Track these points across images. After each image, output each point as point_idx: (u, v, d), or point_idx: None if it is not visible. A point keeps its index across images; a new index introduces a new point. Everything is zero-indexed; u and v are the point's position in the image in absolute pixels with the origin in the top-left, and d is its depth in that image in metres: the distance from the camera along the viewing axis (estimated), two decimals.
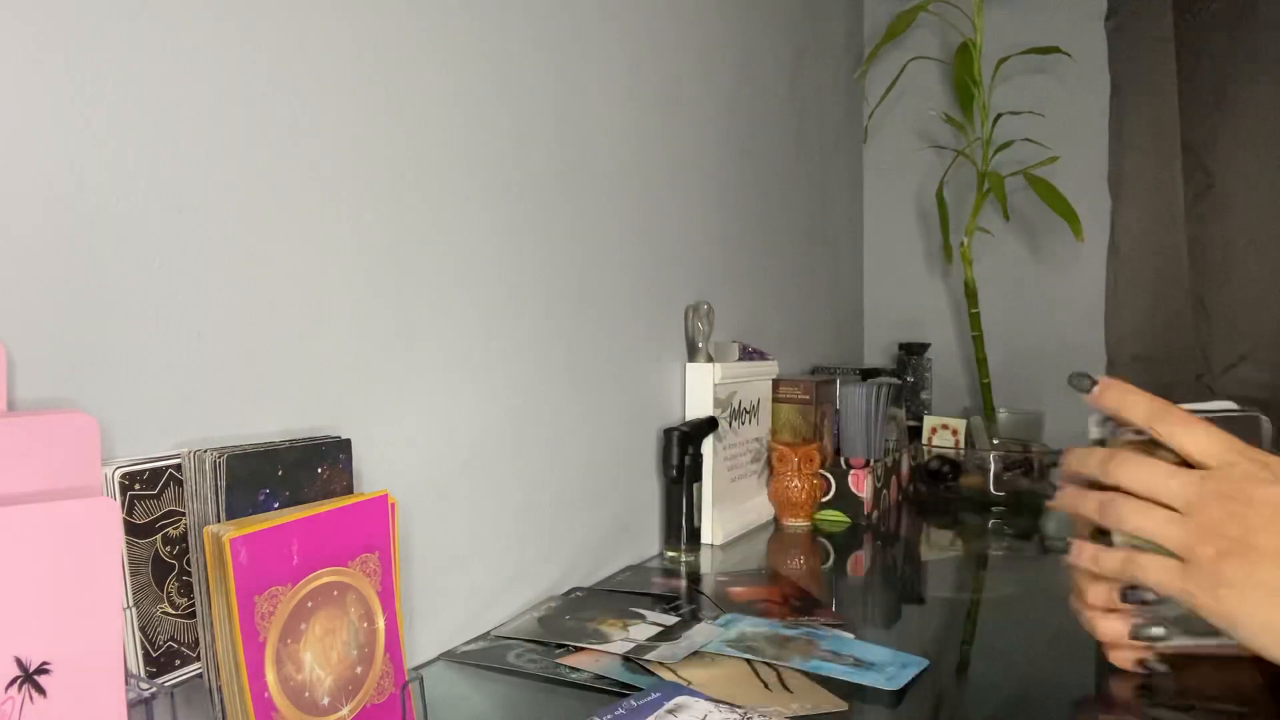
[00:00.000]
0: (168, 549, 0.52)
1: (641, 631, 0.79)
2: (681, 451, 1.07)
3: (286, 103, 0.63)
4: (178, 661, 0.53)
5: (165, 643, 0.52)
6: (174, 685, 0.52)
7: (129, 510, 0.50)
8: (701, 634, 0.78)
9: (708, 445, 1.12)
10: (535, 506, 0.89)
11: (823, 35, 1.69)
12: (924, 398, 1.77)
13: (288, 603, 0.52)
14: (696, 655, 0.74)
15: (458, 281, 0.79)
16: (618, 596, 0.91)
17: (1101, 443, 0.68)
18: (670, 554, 1.09)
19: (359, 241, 0.69)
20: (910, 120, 1.86)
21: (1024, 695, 0.71)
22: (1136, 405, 0.63)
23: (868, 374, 1.56)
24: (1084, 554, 0.65)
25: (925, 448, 1.56)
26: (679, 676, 0.70)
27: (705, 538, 1.12)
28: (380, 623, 0.58)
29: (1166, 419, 0.61)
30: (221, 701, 0.51)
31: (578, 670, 0.72)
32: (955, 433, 1.56)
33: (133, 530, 0.51)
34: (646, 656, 0.73)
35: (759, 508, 1.25)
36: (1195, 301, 1.51)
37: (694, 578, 1.00)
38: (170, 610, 0.52)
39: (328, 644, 0.55)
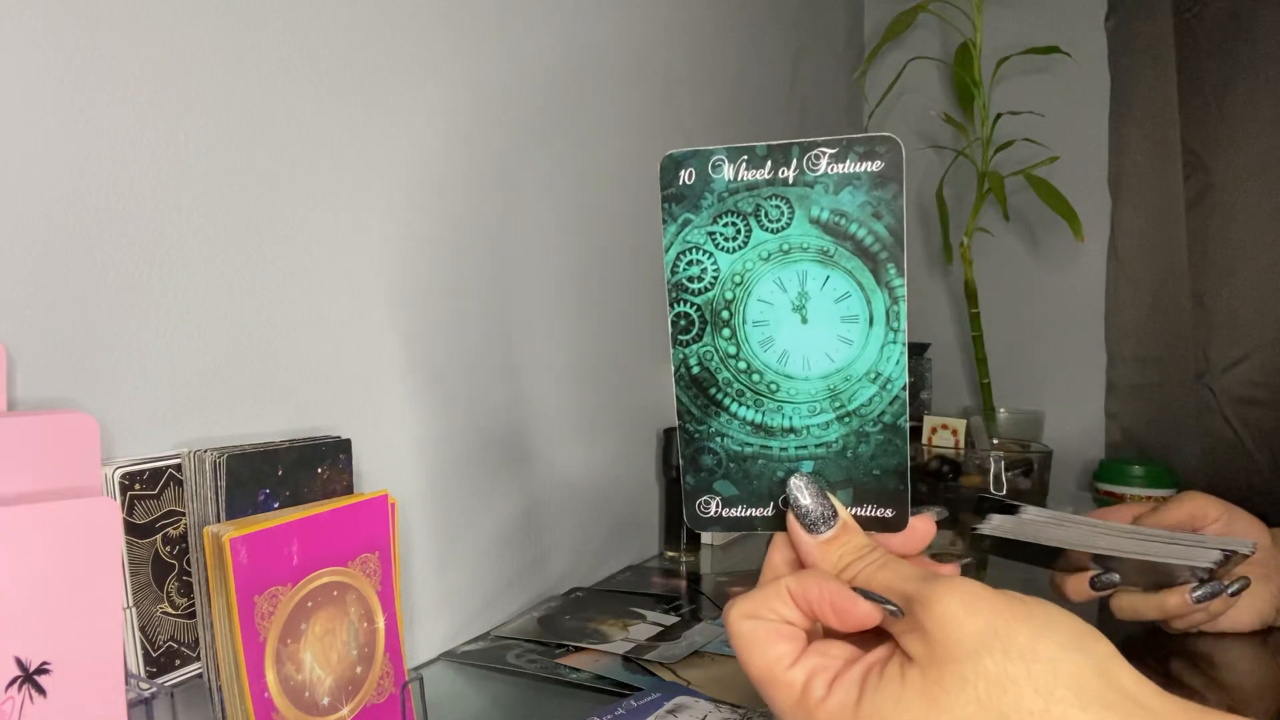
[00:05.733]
0: (168, 549, 0.52)
1: (641, 631, 0.79)
2: None
3: (287, 103, 0.63)
4: (178, 661, 0.53)
5: (165, 643, 0.52)
6: (174, 685, 0.52)
7: (129, 510, 0.50)
8: (701, 634, 0.78)
9: None
10: (535, 506, 0.89)
11: (823, 35, 1.69)
12: (924, 398, 1.76)
13: (288, 603, 0.52)
14: (696, 655, 0.74)
15: (457, 281, 0.79)
16: (618, 596, 0.91)
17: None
18: (670, 554, 1.09)
19: (359, 241, 0.69)
20: (910, 120, 1.86)
21: None
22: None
23: None
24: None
25: (925, 448, 1.56)
26: (679, 676, 0.70)
27: (705, 538, 1.12)
28: (380, 623, 0.58)
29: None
30: (221, 701, 0.51)
31: (578, 670, 0.72)
32: (955, 433, 1.56)
33: (133, 530, 0.51)
34: (646, 656, 0.73)
35: None
36: (1195, 301, 1.51)
37: (694, 578, 1.00)
38: (170, 610, 0.52)
39: (328, 644, 0.55)
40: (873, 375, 0.44)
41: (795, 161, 0.43)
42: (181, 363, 0.57)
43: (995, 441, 1.52)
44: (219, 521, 0.52)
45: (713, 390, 0.45)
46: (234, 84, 0.60)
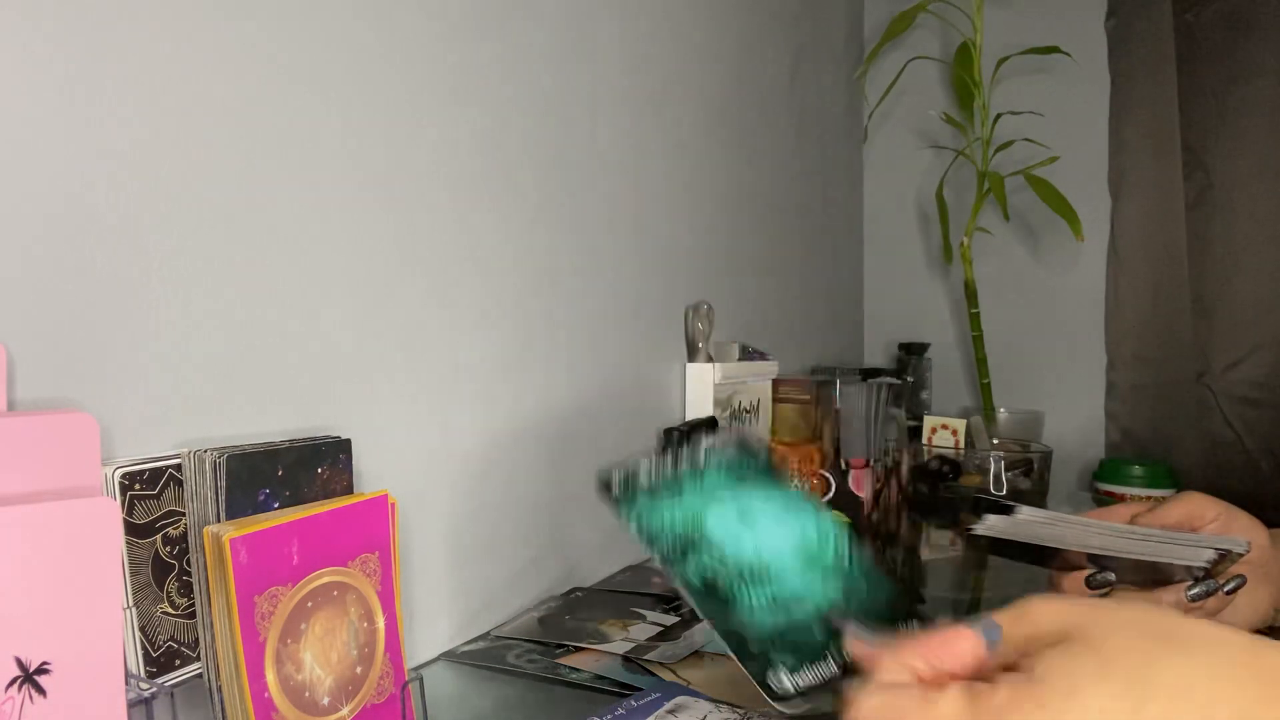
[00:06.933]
0: (168, 549, 0.52)
1: (641, 631, 0.79)
2: None
3: (287, 105, 0.63)
4: (178, 661, 0.53)
5: (165, 643, 0.52)
6: (174, 685, 0.52)
7: (129, 510, 0.50)
8: (701, 634, 0.78)
9: None
10: (535, 506, 0.89)
11: (823, 35, 1.69)
12: (924, 398, 1.76)
13: (288, 603, 0.52)
14: (696, 655, 0.74)
15: (457, 281, 0.79)
16: (618, 596, 0.91)
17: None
18: None
19: (359, 242, 0.69)
20: (910, 120, 1.86)
21: None
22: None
23: (868, 374, 1.56)
24: None
25: (925, 448, 1.56)
26: (679, 676, 0.70)
27: None
28: (380, 623, 0.58)
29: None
30: (221, 701, 0.51)
31: (578, 670, 0.72)
32: (955, 433, 1.56)
33: (133, 530, 0.51)
34: (646, 656, 0.73)
35: None
36: (1195, 301, 1.51)
37: None
38: (170, 610, 0.52)
39: (328, 644, 0.55)
40: (820, 537, 0.58)
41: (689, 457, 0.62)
42: (181, 363, 0.57)
43: (995, 441, 1.52)
44: (219, 521, 0.52)
45: (720, 592, 0.54)
46: (234, 84, 0.60)
